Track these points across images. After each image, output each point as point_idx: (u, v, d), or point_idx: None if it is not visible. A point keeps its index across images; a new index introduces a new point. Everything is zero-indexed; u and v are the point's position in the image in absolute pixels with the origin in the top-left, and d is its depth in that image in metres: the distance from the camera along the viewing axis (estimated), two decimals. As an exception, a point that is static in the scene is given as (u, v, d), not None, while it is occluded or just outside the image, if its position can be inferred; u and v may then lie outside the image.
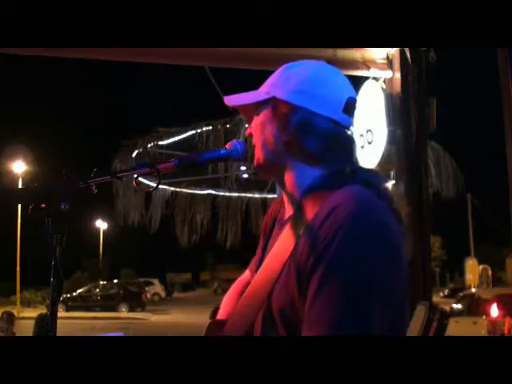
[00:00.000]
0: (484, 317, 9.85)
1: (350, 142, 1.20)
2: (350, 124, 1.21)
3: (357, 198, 1.07)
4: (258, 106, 1.24)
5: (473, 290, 14.51)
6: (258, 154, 1.23)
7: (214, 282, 57.16)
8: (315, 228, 1.06)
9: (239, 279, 1.53)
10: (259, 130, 1.23)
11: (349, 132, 1.20)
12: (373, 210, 1.06)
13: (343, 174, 1.14)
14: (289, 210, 1.23)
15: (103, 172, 1.19)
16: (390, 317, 1.03)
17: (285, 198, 1.26)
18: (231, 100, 1.28)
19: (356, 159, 1.21)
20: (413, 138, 4.11)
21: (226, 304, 1.47)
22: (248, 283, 1.43)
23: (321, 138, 1.16)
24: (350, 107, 1.19)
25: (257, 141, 1.24)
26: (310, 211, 1.10)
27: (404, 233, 1.12)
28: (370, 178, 1.15)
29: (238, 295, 1.42)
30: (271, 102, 1.20)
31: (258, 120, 1.24)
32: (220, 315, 1.43)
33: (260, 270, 1.20)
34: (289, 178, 1.20)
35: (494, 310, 9.72)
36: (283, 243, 1.15)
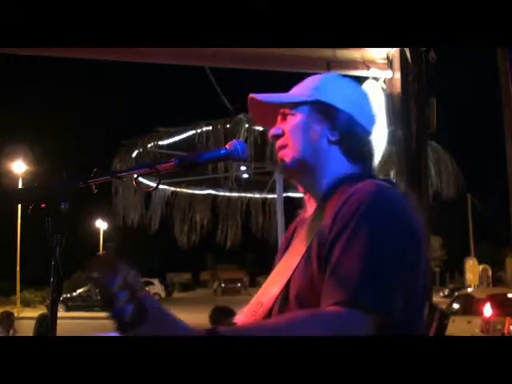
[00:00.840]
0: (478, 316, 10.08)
1: (373, 152, 1.33)
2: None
3: (378, 183, 1.17)
4: (289, 107, 1.27)
5: (469, 289, 14.62)
6: (296, 153, 1.25)
7: (213, 282, 57.12)
8: (336, 210, 1.11)
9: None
10: (301, 130, 1.26)
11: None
12: (393, 195, 1.16)
13: (365, 175, 1.23)
14: (311, 209, 1.27)
15: (103, 172, 1.19)
16: (405, 293, 1.07)
17: (308, 199, 1.30)
18: (267, 98, 1.28)
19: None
20: (413, 138, 4.11)
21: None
22: None
23: (360, 145, 1.27)
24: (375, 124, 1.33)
25: (296, 140, 1.26)
26: (331, 206, 1.16)
27: (425, 228, 1.17)
28: (390, 181, 1.28)
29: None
30: (315, 105, 1.25)
31: (296, 120, 1.26)
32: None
33: (281, 261, 1.25)
34: (318, 178, 1.25)
35: (488, 310, 9.95)
36: (304, 237, 1.20)
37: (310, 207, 1.28)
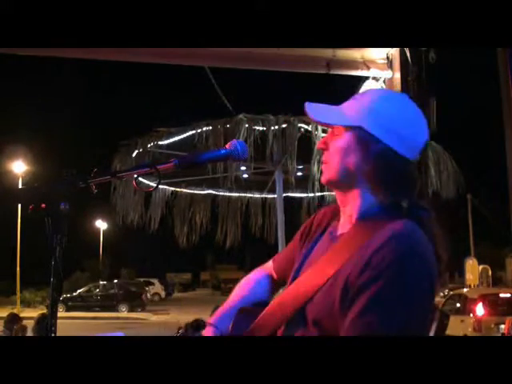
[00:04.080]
0: (471, 315, 10.38)
1: (416, 176, 1.30)
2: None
3: (411, 235, 1.18)
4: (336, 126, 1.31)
5: (464, 290, 14.78)
6: (332, 174, 1.31)
7: (213, 281, 57.12)
8: (369, 253, 1.15)
9: (262, 268, 1.59)
10: (340, 154, 1.29)
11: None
12: (424, 251, 1.17)
13: (401, 208, 1.24)
14: (343, 228, 1.31)
15: (103, 172, 1.19)
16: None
17: (342, 215, 1.33)
18: (317, 116, 1.32)
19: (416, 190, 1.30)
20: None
21: (242, 287, 1.53)
22: (269, 275, 1.55)
23: (396, 174, 1.26)
24: (423, 148, 1.29)
25: (334, 162, 1.30)
26: (365, 235, 1.20)
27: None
28: (423, 216, 1.24)
29: (256, 283, 1.53)
30: (357, 130, 1.27)
31: (339, 143, 1.30)
32: (234, 296, 1.49)
33: (303, 277, 1.28)
34: (353, 200, 1.28)
35: (480, 309, 10.28)
36: (333, 259, 1.23)
37: (344, 223, 1.31)
